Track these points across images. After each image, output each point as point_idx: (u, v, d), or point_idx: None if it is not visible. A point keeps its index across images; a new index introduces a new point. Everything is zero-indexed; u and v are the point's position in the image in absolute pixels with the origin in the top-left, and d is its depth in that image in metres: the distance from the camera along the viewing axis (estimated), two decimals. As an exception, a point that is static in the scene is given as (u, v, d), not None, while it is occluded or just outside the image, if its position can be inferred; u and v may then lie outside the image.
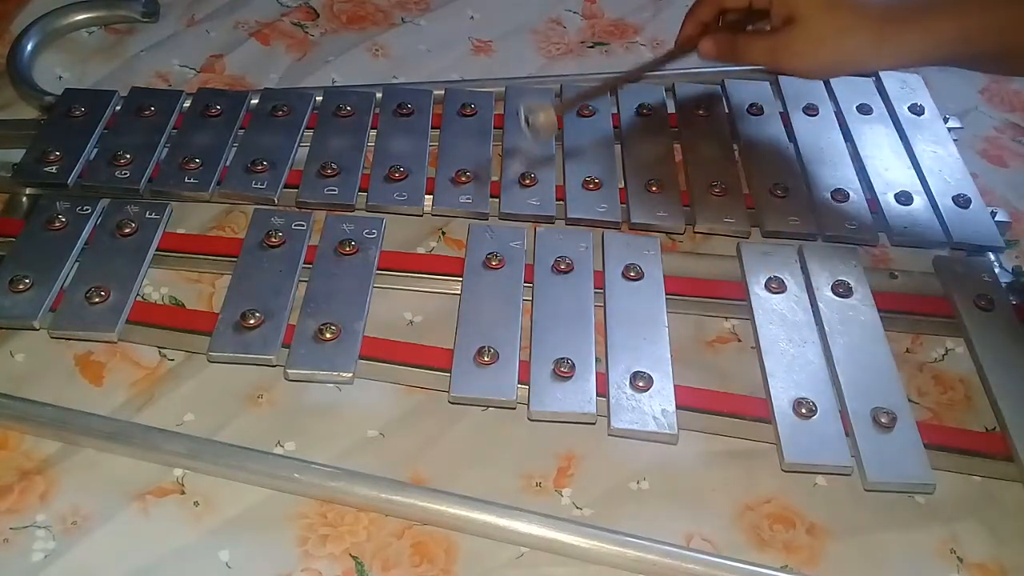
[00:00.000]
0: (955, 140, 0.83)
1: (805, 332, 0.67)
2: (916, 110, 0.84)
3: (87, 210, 0.70)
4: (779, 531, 0.61)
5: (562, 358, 0.62)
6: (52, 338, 0.64)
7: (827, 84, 0.86)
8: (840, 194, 0.76)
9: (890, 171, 0.79)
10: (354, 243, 0.69)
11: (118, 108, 0.79)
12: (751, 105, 0.84)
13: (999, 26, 0.63)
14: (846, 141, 0.82)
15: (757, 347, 0.66)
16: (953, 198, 0.76)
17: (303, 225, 0.70)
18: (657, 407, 0.61)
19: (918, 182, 0.78)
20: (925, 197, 0.77)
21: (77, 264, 0.67)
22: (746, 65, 0.78)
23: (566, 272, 0.69)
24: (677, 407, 0.61)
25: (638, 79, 0.83)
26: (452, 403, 0.62)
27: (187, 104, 0.80)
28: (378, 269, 0.69)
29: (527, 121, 0.72)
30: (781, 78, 0.86)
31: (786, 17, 0.68)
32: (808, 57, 0.69)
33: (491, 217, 0.74)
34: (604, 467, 0.63)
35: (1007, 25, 0.63)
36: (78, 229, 0.69)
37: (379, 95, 0.83)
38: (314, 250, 0.69)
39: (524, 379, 0.62)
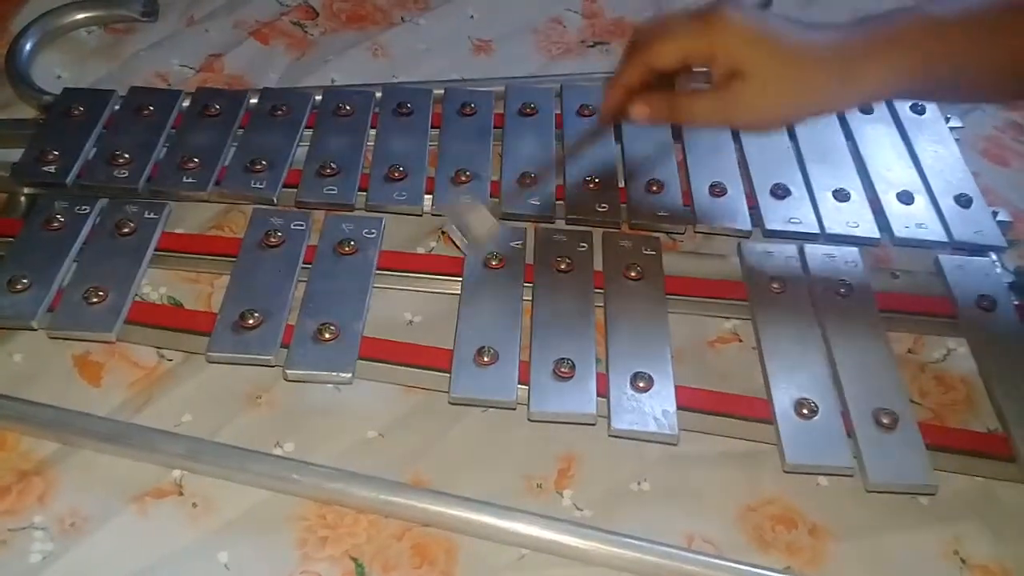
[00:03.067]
0: (956, 139, 0.83)
1: (806, 332, 0.66)
2: (917, 109, 0.84)
3: (85, 210, 0.70)
4: (781, 532, 0.60)
5: (562, 358, 0.62)
6: (50, 338, 0.64)
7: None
8: (841, 194, 0.76)
9: (891, 171, 0.79)
10: (354, 243, 0.69)
11: (117, 108, 0.79)
12: (752, 105, 0.83)
13: (955, 52, 0.60)
14: (847, 141, 0.82)
15: (758, 347, 0.66)
16: (955, 198, 0.76)
17: (302, 225, 0.70)
18: (658, 408, 0.61)
19: (919, 182, 0.78)
20: (926, 197, 0.76)
21: (75, 264, 0.67)
22: (690, 125, 0.74)
23: (566, 272, 0.69)
24: (678, 408, 0.61)
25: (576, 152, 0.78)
26: (452, 404, 0.61)
27: (186, 104, 0.80)
28: (378, 269, 0.68)
29: (459, 228, 0.67)
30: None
31: (731, 71, 0.60)
32: (764, 110, 0.63)
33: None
34: (605, 468, 0.63)
35: (963, 51, 0.61)
36: (76, 229, 0.68)
37: (379, 95, 0.83)
38: (313, 250, 0.69)
39: (524, 379, 0.62)
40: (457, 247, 0.68)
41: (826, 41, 0.61)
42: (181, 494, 0.60)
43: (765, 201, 0.75)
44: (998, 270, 0.73)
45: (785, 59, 0.61)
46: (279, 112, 0.79)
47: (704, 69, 0.62)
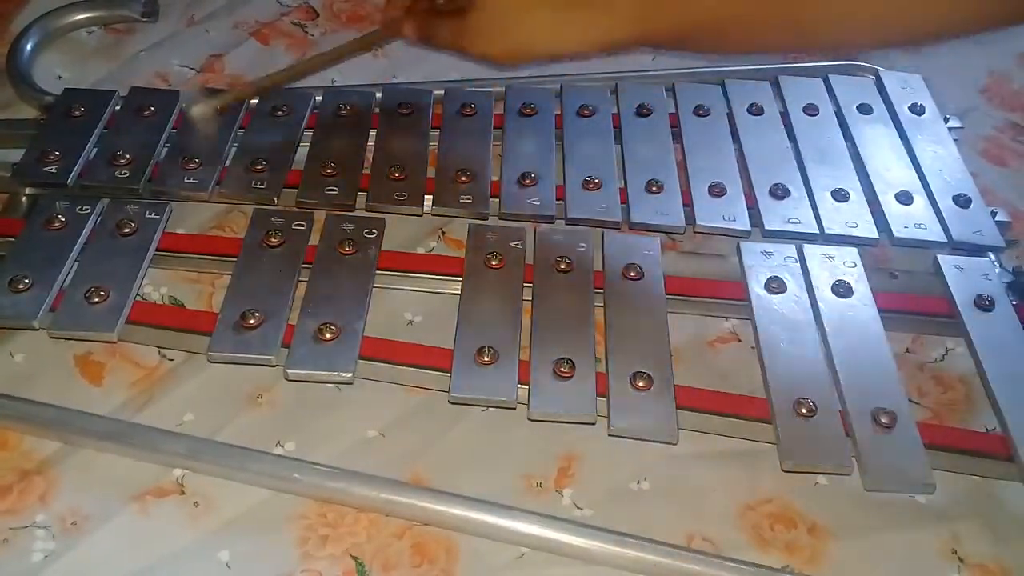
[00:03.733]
0: (955, 140, 0.83)
1: (805, 332, 0.66)
2: (916, 110, 0.84)
3: (87, 210, 0.70)
4: (780, 531, 0.61)
5: (562, 358, 0.62)
6: (52, 338, 0.64)
7: (827, 84, 0.86)
8: (840, 194, 0.76)
9: (890, 171, 0.79)
10: (354, 243, 0.69)
11: (118, 108, 0.79)
12: (751, 105, 0.84)
13: (674, 3, 0.60)
14: (846, 141, 0.82)
15: (757, 347, 0.66)
16: (953, 198, 0.76)
17: (303, 225, 0.70)
18: (657, 407, 0.61)
19: (918, 182, 0.78)
20: (925, 197, 0.77)
21: (77, 264, 0.67)
22: (436, 49, 0.72)
23: (566, 272, 0.69)
24: (677, 407, 0.61)
25: (333, 63, 0.80)
26: (452, 403, 0.61)
27: (187, 104, 0.80)
28: (378, 269, 0.69)
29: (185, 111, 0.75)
30: (781, 78, 0.86)
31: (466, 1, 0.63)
32: (490, 40, 0.64)
33: (491, 217, 0.74)
34: (604, 467, 0.63)
35: (682, 2, 0.60)
36: (78, 229, 0.68)
37: (379, 95, 0.83)
38: (314, 250, 0.69)
39: (524, 379, 0.62)
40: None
41: None
42: (182, 493, 0.60)
43: (764, 201, 0.75)
44: (997, 270, 0.73)
45: None
46: (280, 112, 0.79)
47: None
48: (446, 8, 0.68)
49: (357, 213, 0.73)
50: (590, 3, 0.60)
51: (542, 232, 0.72)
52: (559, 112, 0.82)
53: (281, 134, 0.78)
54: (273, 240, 0.68)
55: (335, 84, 0.89)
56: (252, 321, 0.62)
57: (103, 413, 0.63)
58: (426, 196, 0.74)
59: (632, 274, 0.69)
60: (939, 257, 0.73)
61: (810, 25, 0.59)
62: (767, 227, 0.74)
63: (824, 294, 0.69)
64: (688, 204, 0.75)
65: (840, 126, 0.83)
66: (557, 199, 0.75)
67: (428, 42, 0.70)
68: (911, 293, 0.72)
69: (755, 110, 0.83)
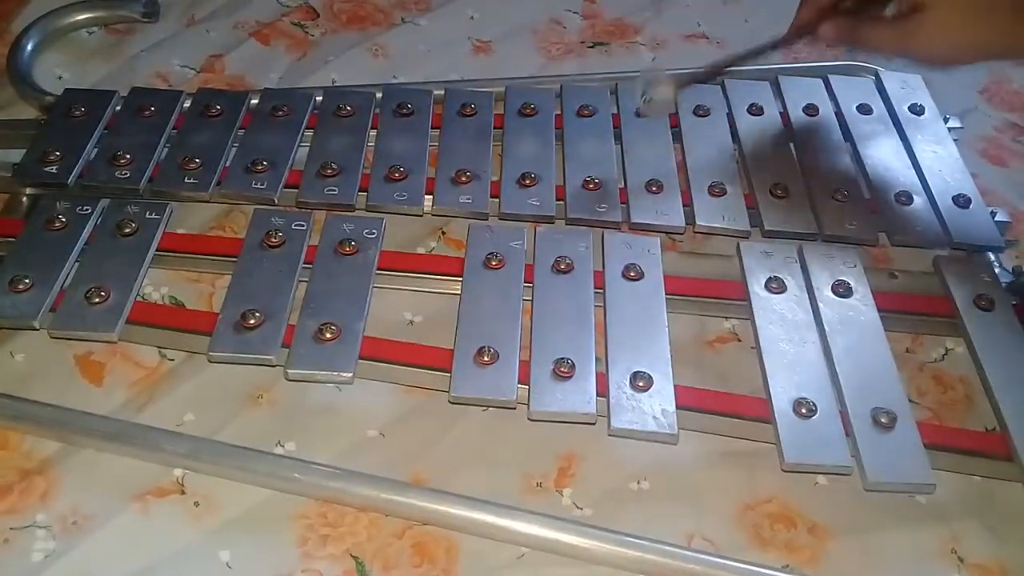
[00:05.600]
0: (955, 140, 0.83)
1: (805, 332, 0.67)
2: (916, 110, 0.84)
3: (87, 210, 0.70)
4: (780, 531, 0.61)
5: (562, 358, 0.62)
6: (52, 338, 0.64)
7: (827, 84, 0.86)
8: (840, 194, 0.76)
9: (890, 171, 0.79)
10: (354, 243, 0.69)
11: (118, 108, 0.79)
12: (751, 105, 0.84)
13: None
14: (846, 141, 0.82)
15: (757, 347, 0.66)
16: (953, 198, 0.76)
17: (303, 225, 0.70)
18: (657, 407, 0.61)
19: (918, 182, 0.78)
20: (925, 197, 0.77)
21: (77, 264, 0.67)
22: (868, 51, 0.76)
23: (566, 272, 0.69)
24: (677, 407, 0.61)
25: (744, 63, 0.79)
26: (452, 403, 0.62)
27: (187, 104, 0.80)
28: (378, 269, 0.69)
29: (643, 96, 0.72)
30: (781, 78, 0.86)
31: (914, 3, 0.66)
32: (940, 43, 0.67)
33: (491, 217, 0.74)
34: (604, 467, 0.63)
35: None
36: (78, 229, 0.69)
37: (379, 95, 0.83)
38: (314, 250, 0.69)
39: (524, 379, 0.62)
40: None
41: None
42: (183, 493, 0.60)
43: (764, 201, 0.75)
44: (996, 270, 0.73)
45: None
46: (280, 112, 0.79)
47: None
48: (876, 12, 0.71)
49: (357, 213, 0.73)
50: None
51: (542, 232, 0.72)
52: (559, 112, 0.83)
53: (281, 134, 0.78)
54: (273, 240, 0.68)
55: (335, 84, 0.89)
56: (252, 321, 0.63)
57: (103, 413, 0.63)
58: (426, 196, 0.74)
59: (632, 274, 0.69)
60: (939, 257, 0.73)
61: None
62: (767, 227, 0.74)
63: (824, 294, 0.69)
64: (688, 204, 0.75)
65: (840, 126, 0.83)
66: (557, 199, 0.75)
67: (853, 44, 0.73)
68: (911, 293, 0.72)
69: (755, 110, 0.83)
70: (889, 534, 0.61)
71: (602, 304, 0.68)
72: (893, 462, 0.60)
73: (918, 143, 0.81)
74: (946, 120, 0.84)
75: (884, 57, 0.82)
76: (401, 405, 0.65)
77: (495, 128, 0.81)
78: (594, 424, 0.61)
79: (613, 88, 0.85)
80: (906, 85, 0.87)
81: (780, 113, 0.84)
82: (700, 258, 0.75)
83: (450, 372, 0.62)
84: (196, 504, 0.60)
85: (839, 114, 0.84)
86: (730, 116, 0.83)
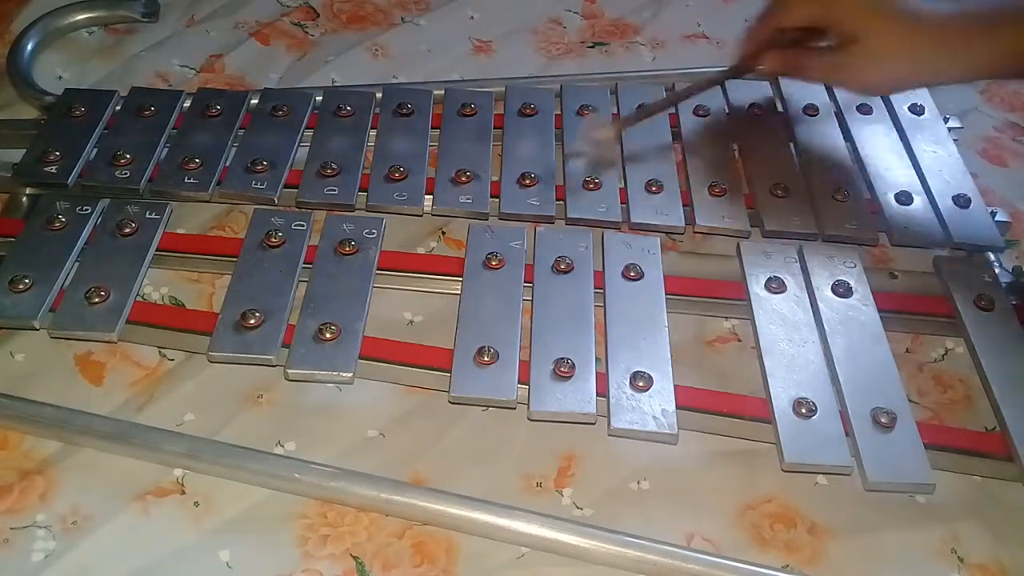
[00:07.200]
0: (955, 140, 0.83)
1: (805, 332, 0.67)
2: (916, 110, 0.84)
3: (87, 210, 0.70)
4: (780, 531, 0.61)
5: (562, 358, 0.62)
6: (52, 338, 0.64)
7: (827, 84, 0.86)
8: (840, 194, 0.76)
9: (890, 171, 0.79)
10: (354, 243, 0.69)
11: (118, 108, 0.79)
12: (751, 105, 0.84)
13: None
14: (846, 141, 0.82)
15: (757, 347, 0.66)
16: (953, 198, 0.76)
17: (303, 225, 0.70)
18: (657, 407, 0.61)
19: (918, 182, 0.78)
20: (925, 197, 0.77)
21: (77, 264, 0.67)
22: (807, 80, 0.79)
23: (566, 272, 0.69)
24: (677, 407, 0.61)
25: (689, 96, 0.81)
26: (452, 403, 0.62)
27: (187, 104, 0.80)
28: (378, 269, 0.69)
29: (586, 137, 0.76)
30: (781, 79, 0.86)
31: (848, 35, 0.68)
32: (873, 75, 0.69)
33: (491, 217, 0.74)
34: (604, 467, 0.63)
35: None
36: (78, 229, 0.69)
37: (379, 95, 0.83)
38: (314, 250, 0.69)
39: (524, 379, 0.62)
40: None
41: (942, 14, 0.65)
42: (183, 493, 0.60)
43: (764, 201, 0.76)
44: (996, 270, 0.73)
45: (900, 28, 0.66)
46: (280, 112, 0.79)
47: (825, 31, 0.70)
48: (815, 45, 0.72)
49: (357, 213, 0.73)
50: (977, 37, 0.65)
51: (542, 232, 0.72)
52: (559, 112, 0.83)
53: (281, 134, 0.78)
54: (273, 240, 0.68)
55: (335, 84, 0.89)
56: (252, 321, 0.63)
57: (103, 413, 0.63)
58: (426, 196, 0.74)
59: (632, 274, 0.69)
60: (938, 257, 0.73)
61: None
62: (767, 227, 0.74)
63: (824, 294, 0.69)
64: (688, 204, 0.75)
65: (840, 126, 0.83)
66: (557, 199, 0.75)
67: (793, 75, 0.76)
68: (911, 293, 0.72)
69: (755, 110, 0.84)
70: (889, 534, 0.61)
71: (602, 304, 0.68)
72: (893, 462, 0.60)
73: (918, 143, 0.81)
74: (946, 120, 0.84)
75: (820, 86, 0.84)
76: (401, 405, 0.65)
77: (495, 128, 0.81)
78: (594, 424, 0.61)
79: (613, 88, 0.85)
80: (906, 85, 0.87)
81: (780, 113, 0.84)
82: (700, 258, 0.75)
83: (450, 372, 0.62)
84: (196, 504, 0.60)
85: (839, 114, 0.84)
86: (730, 116, 0.83)
